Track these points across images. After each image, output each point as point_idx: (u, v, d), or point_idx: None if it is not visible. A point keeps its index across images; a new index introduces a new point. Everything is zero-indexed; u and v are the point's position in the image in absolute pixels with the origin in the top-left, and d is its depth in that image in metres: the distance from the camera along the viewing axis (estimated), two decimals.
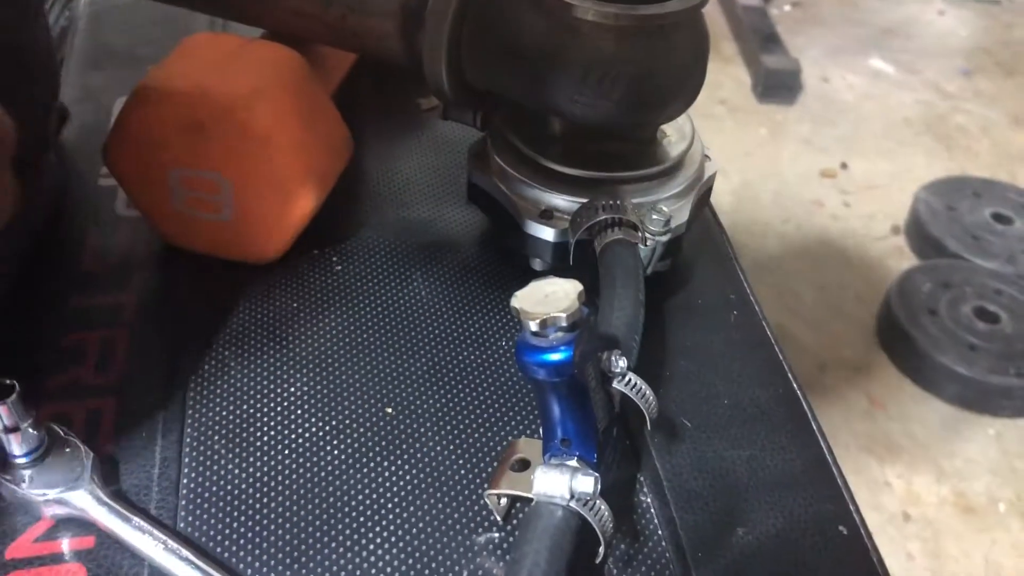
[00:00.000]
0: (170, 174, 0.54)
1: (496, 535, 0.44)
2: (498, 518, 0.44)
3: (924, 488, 1.57)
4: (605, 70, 0.49)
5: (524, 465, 0.44)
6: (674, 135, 0.58)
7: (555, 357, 0.37)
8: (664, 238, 0.53)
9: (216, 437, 0.48)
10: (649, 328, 0.50)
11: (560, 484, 0.39)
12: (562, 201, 0.54)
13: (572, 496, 0.39)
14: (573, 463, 0.41)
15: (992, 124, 2.46)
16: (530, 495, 0.40)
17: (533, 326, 0.37)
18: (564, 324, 0.37)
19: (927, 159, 2.31)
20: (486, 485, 0.46)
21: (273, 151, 0.53)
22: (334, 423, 0.49)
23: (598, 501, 0.40)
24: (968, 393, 1.68)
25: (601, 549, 0.40)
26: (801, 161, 2.29)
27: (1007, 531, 1.51)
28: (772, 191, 2.18)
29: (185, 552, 0.40)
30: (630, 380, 0.43)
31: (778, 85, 2.49)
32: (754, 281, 0.62)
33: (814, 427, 0.51)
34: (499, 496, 0.44)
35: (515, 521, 0.45)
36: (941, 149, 2.35)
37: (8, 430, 0.41)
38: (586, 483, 0.39)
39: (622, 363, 0.43)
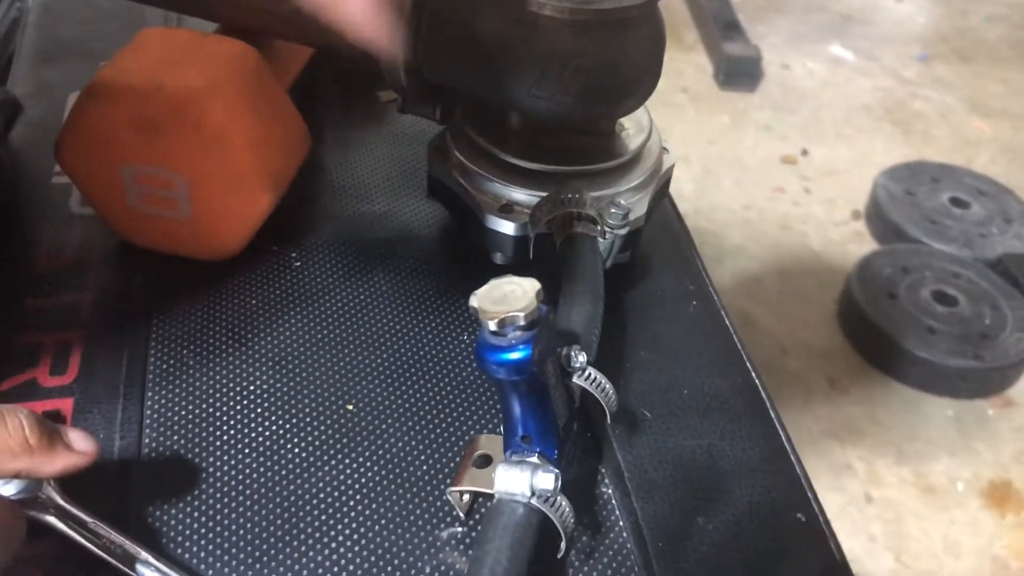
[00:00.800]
0: (124, 171, 0.54)
1: (459, 530, 0.44)
2: (460, 514, 0.45)
3: (885, 470, 1.59)
4: (563, 64, 0.49)
5: (486, 461, 0.44)
6: (632, 128, 0.58)
7: (514, 356, 0.37)
8: (623, 231, 0.53)
9: (175, 437, 0.47)
10: (609, 320, 0.50)
11: (521, 481, 0.40)
12: (522, 195, 0.54)
13: (533, 493, 0.40)
14: (534, 459, 0.41)
15: (950, 110, 2.50)
16: (492, 492, 0.41)
17: (492, 325, 0.37)
18: (522, 323, 0.37)
19: (886, 145, 2.34)
20: (448, 481, 0.46)
21: (229, 148, 0.53)
22: (295, 420, 0.49)
23: (559, 497, 0.40)
24: (928, 375, 1.71)
25: (562, 544, 0.40)
26: (762, 148, 2.31)
27: (965, 510, 1.54)
28: (733, 178, 2.20)
29: (144, 554, 0.40)
30: (590, 375, 0.43)
31: (739, 72, 2.50)
32: (715, 267, 0.62)
33: (772, 416, 0.52)
34: (461, 493, 0.44)
35: (478, 516, 0.45)
36: (900, 135, 2.39)
37: None
38: (546, 480, 0.40)
39: (581, 358, 0.43)
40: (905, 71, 2.64)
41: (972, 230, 1.96)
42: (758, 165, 2.25)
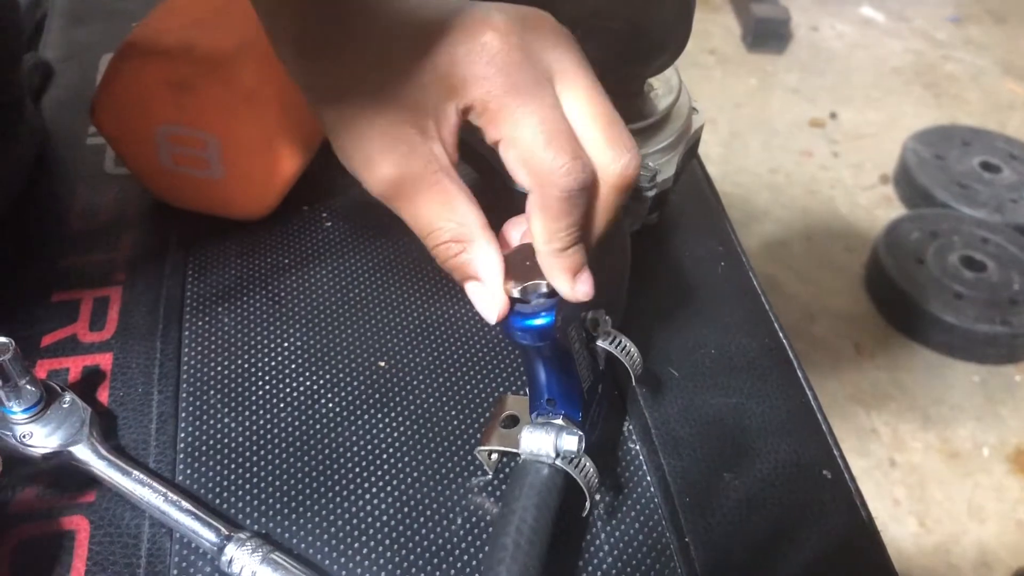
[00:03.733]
0: (157, 131, 0.54)
1: (488, 480, 0.45)
2: (488, 472, 0.45)
3: (910, 435, 1.59)
4: (592, 24, 0.49)
5: (513, 422, 0.45)
6: (661, 88, 0.58)
7: (537, 323, 0.38)
8: (651, 192, 0.53)
9: (212, 392, 0.48)
10: (637, 282, 0.51)
11: (545, 443, 0.41)
12: None
13: (557, 454, 0.40)
14: (559, 422, 0.42)
15: (982, 72, 2.46)
16: (518, 452, 0.41)
17: (515, 292, 0.38)
18: (545, 290, 0.38)
19: (916, 108, 2.31)
20: (478, 437, 0.47)
21: (260, 108, 0.53)
22: (328, 377, 0.49)
23: (583, 458, 0.41)
24: (955, 341, 1.70)
25: (587, 504, 0.41)
26: (790, 111, 2.29)
27: (990, 475, 1.54)
28: (761, 141, 2.18)
29: (185, 504, 0.41)
30: (615, 339, 0.44)
31: (767, 34, 2.47)
32: (742, 232, 0.62)
33: (800, 375, 0.52)
34: (489, 452, 0.45)
35: (504, 473, 0.46)
36: (930, 98, 2.35)
37: (6, 387, 0.42)
38: (570, 442, 0.40)
39: (607, 322, 0.43)
40: (937, 33, 2.60)
41: (1003, 195, 1.94)
42: (786, 128, 2.23)
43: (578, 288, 0.38)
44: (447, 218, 0.38)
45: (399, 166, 0.37)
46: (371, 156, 0.37)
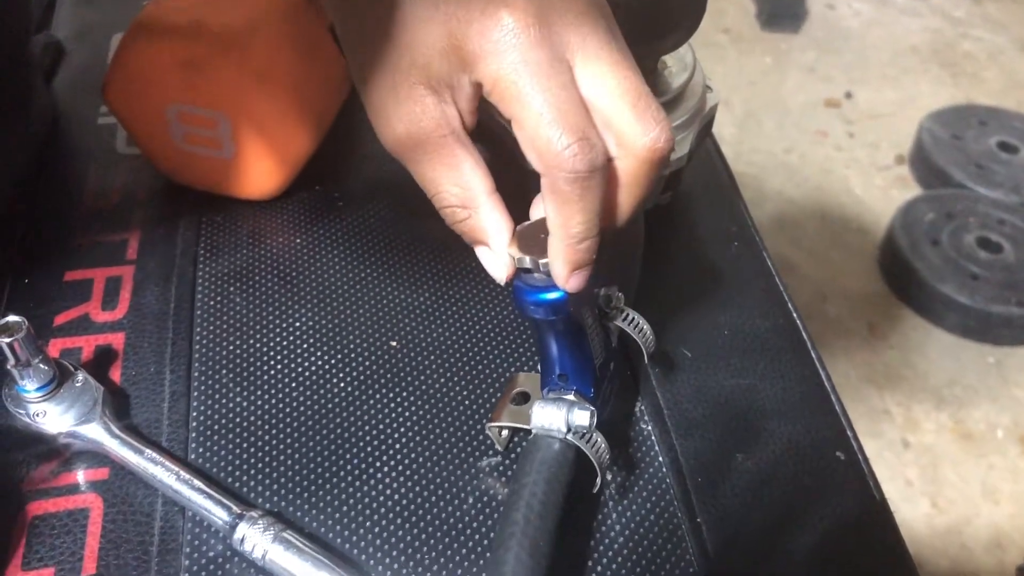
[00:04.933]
0: (169, 110, 0.54)
1: (498, 459, 0.45)
2: (499, 449, 0.45)
3: (923, 416, 1.59)
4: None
5: (524, 399, 0.45)
6: (675, 66, 0.58)
7: (550, 296, 0.38)
8: (665, 171, 0.53)
9: (224, 371, 0.48)
10: (650, 260, 0.50)
11: (557, 418, 0.40)
12: None
13: (569, 429, 0.40)
14: (570, 397, 0.42)
15: (1000, 51, 2.43)
16: (529, 428, 0.41)
17: (526, 262, 0.37)
18: None
19: (933, 87, 2.29)
20: (489, 416, 0.47)
21: (271, 86, 0.53)
22: (340, 356, 0.49)
23: (594, 433, 0.41)
24: (969, 322, 1.69)
25: (598, 479, 0.41)
26: (805, 90, 2.27)
27: (1004, 456, 1.54)
28: (775, 121, 2.17)
29: (197, 482, 0.41)
30: (628, 315, 0.43)
31: (782, 13, 2.45)
32: (756, 212, 0.62)
33: (813, 356, 0.52)
34: (500, 428, 0.45)
35: (515, 452, 0.46)
36: (947, 77, 2.33)
37: (19, 366, 0.42)
38: (582, 417, 0.40)
39: (620, 299, 0.43)
40: (955, 11, 2.57)
41: (1020, 175, 1.92)
42: (801, 108, 2.21)
43: (571, 281, 0.37)
44: (453, 182, 0.38)
45: (410, 125, 0.37)
46: (386, 110, 0.38)
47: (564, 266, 0.37)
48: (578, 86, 0.36)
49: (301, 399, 0.47)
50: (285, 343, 0.50)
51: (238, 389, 0.48)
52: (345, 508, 0.43)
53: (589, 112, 0.36)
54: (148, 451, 0.43)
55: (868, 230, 1.89)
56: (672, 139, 0.37)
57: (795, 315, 0.54)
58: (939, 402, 1.61)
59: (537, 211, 0.39)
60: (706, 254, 0.58)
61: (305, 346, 0.50)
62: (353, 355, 0.50)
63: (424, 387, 0.48)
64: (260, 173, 0.56)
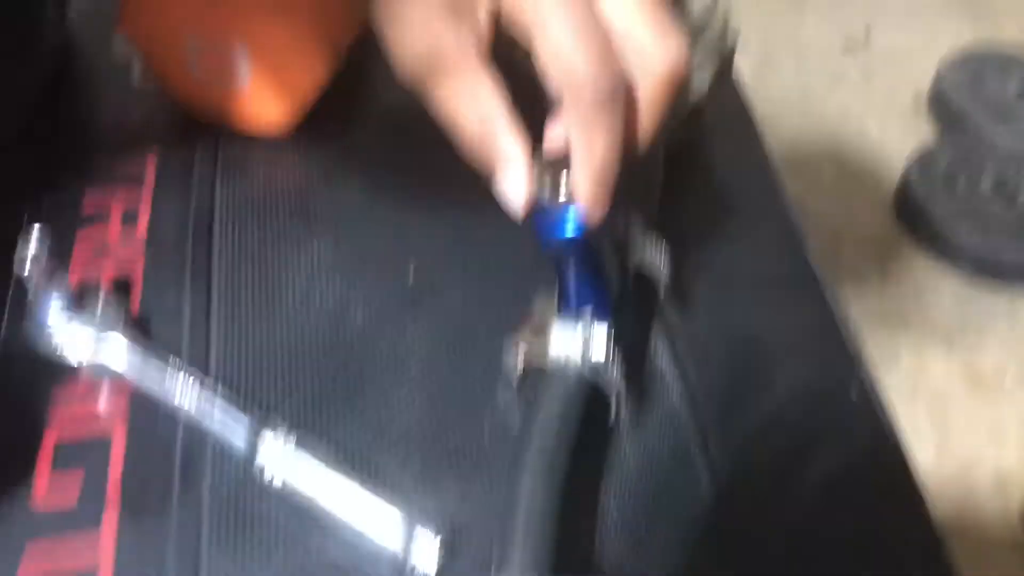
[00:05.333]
0: (187, 39, 0.54)
1: (514, 393, 0.46)
2: (515, 378, 0.46)
3: (934, 361, 1.59)
4: None
5: (541, 328, 0.45)
6: None
7: (569, 225, 0.38)
8: (686, 102, 0.52)
9: (243, 298, 0.49)
10: (668, 197, 0.50)
11: (573, 347, 0.41)
12: None
13: (585, 361, 0.41)
14: (587, 328, 0.42)
15: None
16: (544, 359, 0.42)
17: (545, 192, 0.37)
18: None
19: (953, 30, 2.24)
20: (506, 347, 0.47)
21: (289, 14, 0.52)
22: (359, 283, 0.50)
23: (610, 366, 0.41)
24: (984, 268, 1.68)
25: (613, 410, 0.41)
26: (823, 32, 2.23)
27: (1013, 403, 1.54)
28: (792, 63, 2.14)
29: (219, 401, 0.42)
30: (645, 247, 0.43)
31: None
32: (772, 155, 0.61)
33: (828, 295, 0.52)
34: (516, 359, 0.45)
35: (532, 383, 0.46)
36: (969, 19, 2.28)
37: (40, 289, 0.42)
38: (599, 347, 0.40)
39: (638, 231, 0.43)
40: None
41: None
42: (818, 50, 2.18)
43: (593, 207, 0.37)
44: (472, 107, 0.37)
45: (430, 45, 0.36)
46: (403, 32, 0.37)
47: (587, 191, 0.37)
48: (597, 5, 0.36)
49: (320, 327, 0.48)
50: (303, 271, 0.50)
51: (258, 314, 0.48)
52: (363, 432, 0.43)
53: (609, 32, 0.36)
54: (169, 371, 0.43)
55: (884, 174, 1.88)
56: (687, 55, 0.36)
57: (811, 256, 0.54)
58: (950, 347, 1.61)
59: (553, 133, 0.39)
60: (725, 193, 0.58)
61: (324, 275, 0.50)
62: (372, 281, 0.50)
63: (443, 313, 0.49)
64: (277, 105, 0.56)
